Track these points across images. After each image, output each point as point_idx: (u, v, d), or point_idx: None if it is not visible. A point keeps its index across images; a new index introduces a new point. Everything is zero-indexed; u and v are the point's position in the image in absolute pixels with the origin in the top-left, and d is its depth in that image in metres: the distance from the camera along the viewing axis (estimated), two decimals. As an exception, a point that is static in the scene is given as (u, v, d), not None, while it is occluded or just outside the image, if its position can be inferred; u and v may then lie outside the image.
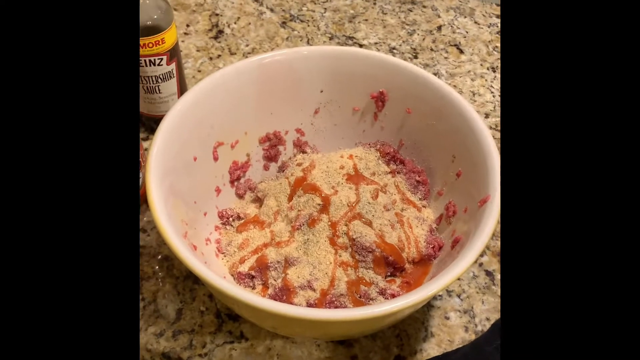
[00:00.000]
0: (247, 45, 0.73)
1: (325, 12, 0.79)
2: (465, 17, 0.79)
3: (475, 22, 0.78)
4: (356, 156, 0.50)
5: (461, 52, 0.74)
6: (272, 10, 0.79)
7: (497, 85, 0.69)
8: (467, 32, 0.77)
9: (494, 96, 0.68)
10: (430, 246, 0.45)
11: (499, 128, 0.63)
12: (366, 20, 0.78)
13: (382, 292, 0.43)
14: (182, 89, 0.58)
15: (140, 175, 0.50)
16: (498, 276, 0.50)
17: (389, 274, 0.45)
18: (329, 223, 0.44)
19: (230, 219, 0.49)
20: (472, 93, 0.68)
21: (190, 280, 0.48)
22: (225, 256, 0.47)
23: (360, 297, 0.42)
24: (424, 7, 0.81)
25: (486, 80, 0.70)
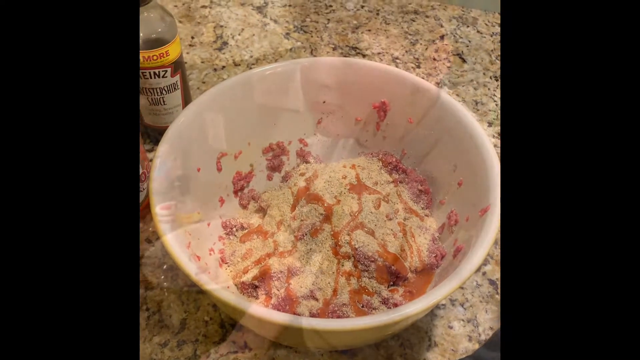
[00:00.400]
0: (251, 56, 0.73)
1: (328, 23, 0.80)
2: (467, 26, 0.80)
3: (478, 32, 0.79)
4: (359, 166, 0.50)
5: (464, 61, 0.74)
6: (275, 21, 0.80)
7: (499, 94, 0.69)
8: (469, 41, 0.77)
9: (496, 105, 0.68)
10: (433, 255, 0.45)
11: (502, 136, 0.63)
12: (369, 30, 0.79)
13: (384, 302, 0.43)
14: (186, 101, 0.59)
15: (145, 186, 0.50)
16: (502, 285, 0.50)
17: (391, 283, 0.45)
18: (332, 233, 0.44)
19: (234, 229, 0.50)
20: (475, 102, 0.68)
21: (194, 290, 0.48)
22: (229, 266, 0.47)
23: (362, 306, 0.43)
24: (427, 17, 0.81)
25: (489, 89, 0.70)
